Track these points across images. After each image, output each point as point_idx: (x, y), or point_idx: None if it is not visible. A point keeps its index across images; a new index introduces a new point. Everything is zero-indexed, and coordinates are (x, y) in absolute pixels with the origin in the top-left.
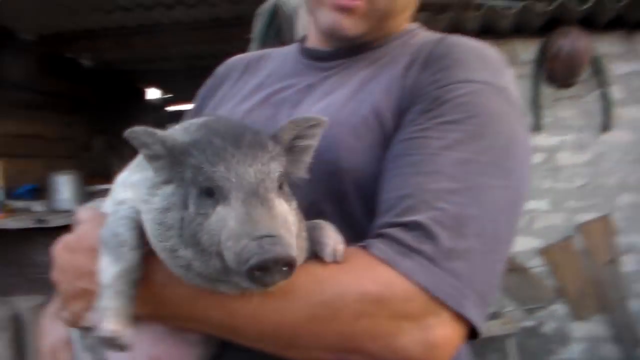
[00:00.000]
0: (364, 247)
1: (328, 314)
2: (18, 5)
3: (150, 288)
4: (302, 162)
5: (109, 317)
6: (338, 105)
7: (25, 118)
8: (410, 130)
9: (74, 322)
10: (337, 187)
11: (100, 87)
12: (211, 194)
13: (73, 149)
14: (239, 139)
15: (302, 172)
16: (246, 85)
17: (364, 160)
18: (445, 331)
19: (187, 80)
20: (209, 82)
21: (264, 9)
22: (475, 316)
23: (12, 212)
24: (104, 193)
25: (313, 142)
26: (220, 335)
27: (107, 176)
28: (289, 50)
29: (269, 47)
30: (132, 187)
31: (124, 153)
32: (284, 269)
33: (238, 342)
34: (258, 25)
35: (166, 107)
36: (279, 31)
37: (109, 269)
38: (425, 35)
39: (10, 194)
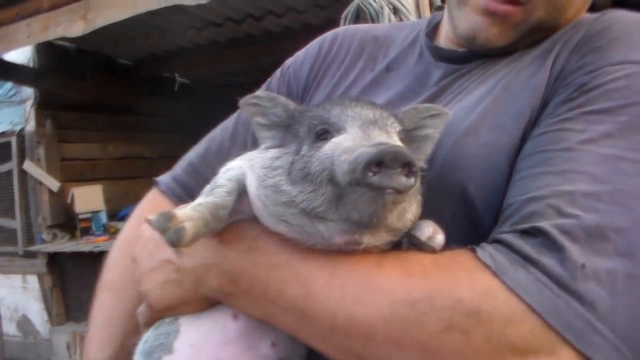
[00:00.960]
0: (473, 250)
1: (411, 316)
2: (114, 32)
3: (231, 255)
4: (422, 151)
5: (184, 222)
6: (468, 112)
7: (126, 140)
8: (545, 124)
9: (148, 302)
10: (467, 211)
11: (197, 104)
12: (324, 137)
13: (173, 166)
14: (359, 99)
15: (420, 162)
16: (362, 77)
17: (496, 176)
18: None
19: None
20: (312, 57)
21: (347, 12)
22: None
23: (116, 234)
24: None
25: (434, 132)
26: (287, 323)
27: None
28: (410, 39)
29: None
30: (239, 159)
31: None
32: (404, 173)
33: (302, 336)
34: None
35: None
36: None
37: (199, 200)
38: (583, 17)
39: (114, 216)
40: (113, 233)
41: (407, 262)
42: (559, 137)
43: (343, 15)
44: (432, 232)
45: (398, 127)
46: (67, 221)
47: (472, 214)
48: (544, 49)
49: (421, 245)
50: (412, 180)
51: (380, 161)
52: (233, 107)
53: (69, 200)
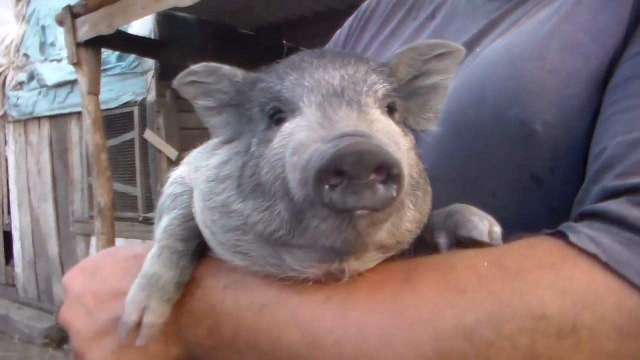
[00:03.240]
0: (556, 235)
1: (469, 351)
2: (233, 1)
3: (206, 296)
4: (429, 108)
5: (145, 289)
6: (529, 34)
7: None
8: None
9: None
10: (526, 159)
11: None
12: (279, 119)
13: None
14: (326, 52)
15: (429, 123)
16: (403, 27)
17: (572, 113)
18: None
19: None
20: (349, 21)
21: None
22: None
23: None
24: None
25: (444, 79)
26: None
27: None
28: None
29: None
30: (186, 164)
31: None
32: (378, 180)
33: None
34: None
35: None
36: None
37: (163, 222)
38: None
39: None
40: None
41: (453, 272)
42: None
43: None
44: (488, 226)
45: (382, 89)
46: None
47: (538, 167)
48: None
49: (476, 244)
50: (392, 189)
51: (339, 169)
52: None
53: None
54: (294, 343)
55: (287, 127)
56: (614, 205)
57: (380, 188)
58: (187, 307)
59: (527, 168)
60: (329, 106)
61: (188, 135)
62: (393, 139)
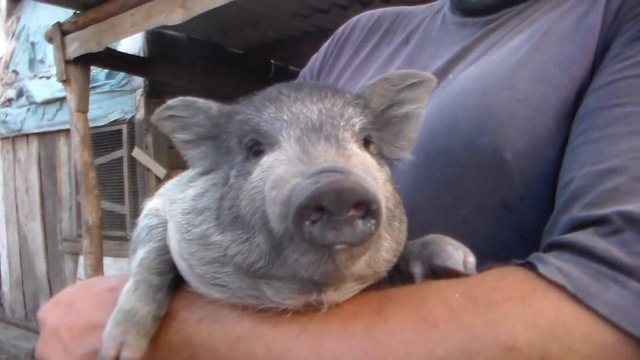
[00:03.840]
0: (525, 266)
1: None
2: (222, 20)
3: (181, 329)
4: (403, 137)
5: (121, 325)
6: (500, 63)
7: None
8: (612, 70)
9: None
10: (497, 187)
11: None
12: (258, 151)
13: None
14: (303, 85)
15: (403, 152)
16: (378, 52)
17: (541, 143)
18: None
19: None
20: (325, 46)
21: None
22: None
23: None
24: None
25: (417, 108)
26: None
27: None
28: (436, 8)
29: None
30: (161, 195)
31: None
32: (357, 216)
33: None
34: None
35: None
36: None
37: (138, 255)
38: None
39: None
40: None
41: (425, 304)
42: (637, 87)
43: None
44: (463, 256)
45: (359, 123)
46: None
47: (508, 195)
48: None
49: (450, 274)
50: (371, 224)
51: (320, 206)
52: None
53: None
54: None
55: (266, 160)
56: (581, 237)
57: (359, 223)
58: (163, 341)
59: (498, 195)
60: (307, 141)
61: (176, 154)
62: (370, 173)
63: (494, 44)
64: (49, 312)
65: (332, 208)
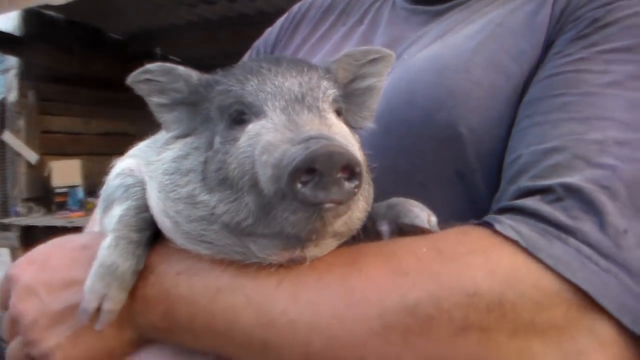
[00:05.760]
0: (483, 225)
1: (412, 324)
2: (105, 4)
3: (159, 282)
4: (366, 108)
5: (104, 279)
6: (456, 48)
7: (111, 117)
8: (555, 64)
9: None
10: (451, 157)
11: None
12: (242, 120)
13: None
14: (280, 59)
15: (365, 121)
16: (334, 31)
17: (492, 122)
18: None
19: None
20: (280, 22)
21: None
22: None
23: (93, 210)
24: None
25: (377, 81)
26: (246, 358)
27: None
28: None
29: None
30: (135, 156)
31: None
32: (344, 177)
33: None
34: None
35: None
36: None
37: (115, 212)
38: None
39: (92, 193)
40: (89, 209)
41: (395, 256)
42: (577, 79)
43: None
44: (427, 215)
45: (332, 95)
46: (44, 195)
47: (462, 165)
48: None
49: (416, 232)
50: (354, 184)
51: (312, 168)
52: None
53: (46, 174)
54: (250, 323)
55: (252, 128)
56: (530, 202)
57: (345, 184)
58: (140, 293)
59: (452, 165)
60: (292, 111)
61: (50, 139)
62: (349, 140)
63: (446, 31)
64: (23, 270)
65: (324, 170)
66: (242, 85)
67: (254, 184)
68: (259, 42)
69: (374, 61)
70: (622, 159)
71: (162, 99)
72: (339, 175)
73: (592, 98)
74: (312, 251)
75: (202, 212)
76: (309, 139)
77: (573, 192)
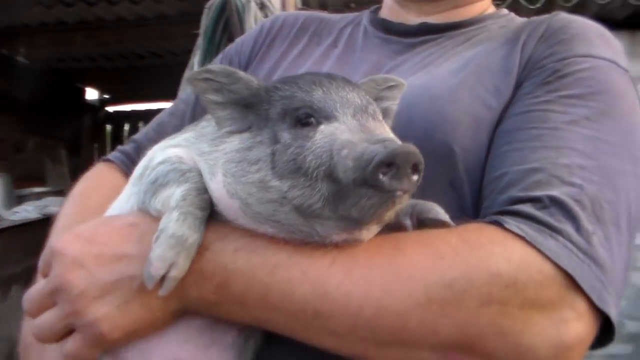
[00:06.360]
0: (492, 223)
1: (449, 297)
2: None
3: (215, 258)
4: None
5: (174, 248)
6: (444, 81)
7: None
8: (527, 102)
9: (96, 332)
10: (446, 170)
11: (35, 86)
12: (307, 123)
13: (4, 150)
14: (333, 75)
15: None
16: (309, 51)
17: (478, 144)
18: (579, 329)
19: (128, 79)
20: (253, 35)
21: (212, 3)
22: (614, 316)
23: None
24: (35, 196)
25: (392, 104)
26: (289, 327)
27: (40, 179)
28: (355, 21)
29: (217, 42)
30: (180, 146)
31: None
32: (413, 176)
33: (308, 337)
34: (206, 20)
35: (105, 107)
36: (227, 25)
37: (175, 192)
38: (527, 17)
39: None
40: None
41: (432, 243)
42: (545, 117)
43: (207, 5)
44: (443, 212)
45: (377, 108)
46: None
47: (454, 177)
48: (508, 37)
49: (436, 225)
50: (417, 178)
51: (392, 162)
52: (73, 94)
53: None
54: (305, 295)
55: (326, 128)
56: (524, 208)
57: (413, 177)
58: (195, 267)
59: (445, 176)
60: (360, 117)
61: None
62: None
63: (425, 64)
64: (69, 243)
65: (401, 164)
66: (308, 93)
67: (329, 174)
68: (231, 51)
69: (391, 87)
70: (585, 180)
71: (218, 97)
72: (409, 170)
73: (558, 132)
74: (363, 234)
75: (274, 195)
76: (384, 140)
77: (556, 202)
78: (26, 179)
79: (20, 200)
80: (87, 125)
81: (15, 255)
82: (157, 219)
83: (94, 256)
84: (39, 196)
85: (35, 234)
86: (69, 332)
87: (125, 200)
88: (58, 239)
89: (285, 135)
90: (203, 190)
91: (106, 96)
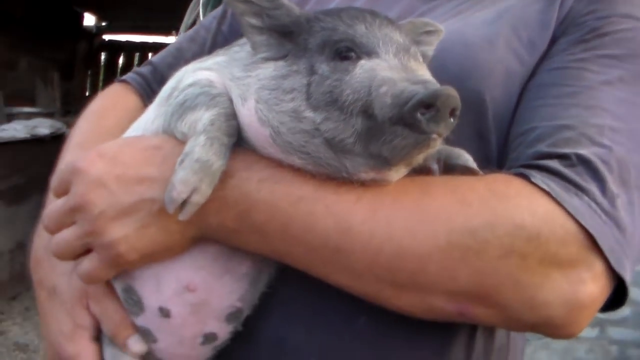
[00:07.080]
0: (519, 176)
1: (472, 245)
2: None
3: (239, 186)
4: None
5: (198, 173)
6: (478, 28)
7: None
8: (562, 59)
9: (114, 253)
10: (474, 118)
11: (30, 3)
12: (347, 57)
13: None
14: (376, 13)
15: None
16: None
17: (508, 95)
18: (594, 289)
19: (127, 9)
20: None
21: None
22: (629, 280)
23: None
24: (24, 116)
25: (429, 50)
26: (308, 261)
27: (30, 99)
28: None
29: None
30: (211, 70)
31: (51, 78)
32: (450, 119)
33: (326, 273)
34: None
35: (101, 35)
36: None
37: (202, 116)
38: None
39: None
40: None
41: (460, 190)
42: (580, 75)
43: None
44: (472, 159)
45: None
46: None
47: (482, 126)
48: None
49: (464, 171)
50: (453, 123)
51: (432, 104)
52: (70, 18)
53: None
54: (327, 229)
55: (366, 63)
56: (552, 164)
57: (450, 121)
58: (218, 195)
59: (474, 125)
60: (403, 57)
61: None
62: None
63: (459, 11)
64: (93, 163)
65: (441, 107)
66: (350, 27)
67: (366, 110)
68: None
69: (429, 32)
70: (615, 142)
71: (256, 21)
72: (447, 113)
73: (591, 92)
74: (391, 175)
75: (307, 126)
76: (425, 81)
77: (584, 161)
78: (17, 97)
79: (9, 118)
80: (82, 51)
81: (0, 171)
82: (181, 142)
83: (116, 177)
84: (28, 116)
85: (22, 153)
86: (86, 251)
87: (152, 120)
88: (81, 158)
89: (324, 67)
90: (232, 116)
91: (103, 24)
